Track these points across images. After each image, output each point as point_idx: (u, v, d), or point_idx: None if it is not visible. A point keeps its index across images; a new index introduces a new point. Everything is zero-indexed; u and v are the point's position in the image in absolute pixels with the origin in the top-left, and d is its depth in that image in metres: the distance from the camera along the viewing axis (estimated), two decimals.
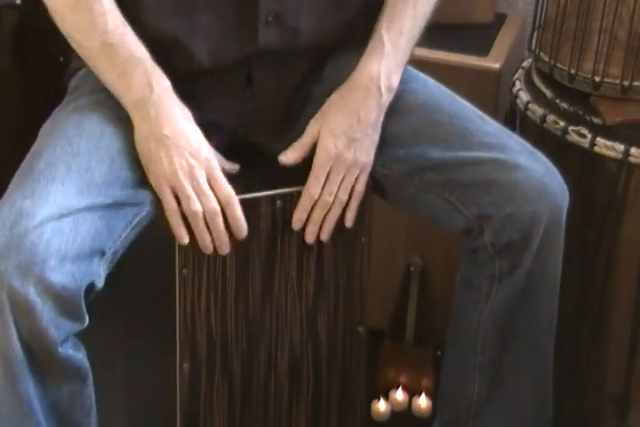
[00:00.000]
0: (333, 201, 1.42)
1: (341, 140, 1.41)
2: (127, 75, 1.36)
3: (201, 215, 1.36)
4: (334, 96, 1.44)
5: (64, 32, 1.40)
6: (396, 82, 1.44)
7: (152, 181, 1.36)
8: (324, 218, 1.43)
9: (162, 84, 1.36)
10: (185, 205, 1.36)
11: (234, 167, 1.42)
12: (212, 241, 1.39)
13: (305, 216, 1.43)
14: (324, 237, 1.44)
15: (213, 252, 1.39)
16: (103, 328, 1.39)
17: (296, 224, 1.43)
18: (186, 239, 1.38)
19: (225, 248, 1.40)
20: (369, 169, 1.43)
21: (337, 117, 1.42)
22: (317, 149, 1.41)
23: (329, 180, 1.41)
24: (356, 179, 1.42)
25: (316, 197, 1.41)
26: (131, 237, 1.39)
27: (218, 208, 1.36)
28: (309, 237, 1.44)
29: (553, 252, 1.43)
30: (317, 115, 1.43)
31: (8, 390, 1.30)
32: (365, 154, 1.42)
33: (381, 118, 1.43)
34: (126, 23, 1.38)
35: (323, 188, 1.41)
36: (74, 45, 1.40)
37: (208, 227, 1.37)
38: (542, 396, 1.54)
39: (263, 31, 1.44)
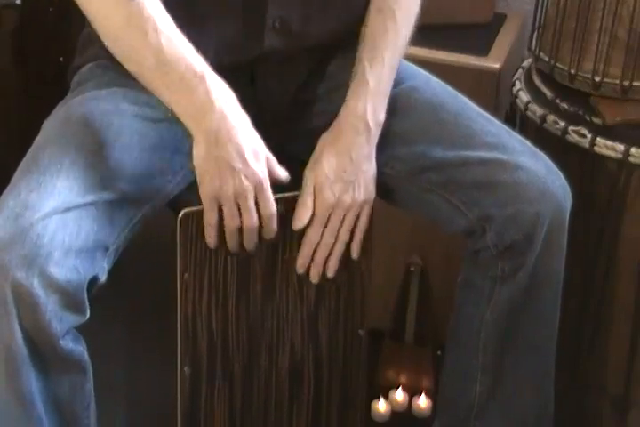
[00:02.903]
0: (336, 240, 1.42)
1: (338, 186, 1.40)
2: (186, 92, 1.33)
3: (237, 230, 1.37)
4: (324, 139, 1.43)
5: (120, 57, 1.37)
6: (382, 115, 1.43)
7: (201, 192, 1.36)
8: (328, 256, 1.43)
9: (223, 101, 1.33)
10: (227, 220, 1.36)
11: (283, 175, 1.38)
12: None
13: (308, 262, 1.43)
14: (330, 274, 1.44)
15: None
16: (105, 331, 1.40)
17: (300, 269, 1.44)
18: (213, 244, 1.39)
19: (252, 249, 1.41)
20: (371, 204, 1.43)
21: (330, 163, 1.41)
22: (316, 199, 1.40)
23: (329, 223, 1.41)
24: (359, 215, 1.42)
25: (316, 240, 1.41)
26: (133, 233, 1.39)
27: (257, 225, 1.37)
28: (315, 279, 1.44)
29: (556, 252, 1.43)
30: (310, 162, 1.42)
31: (9, 382, 1.31)
32: (364, 192, 1.42)
33: (374, 150, 1.43)
34: (183, 38, 1.34)
35: (323, 231, 1.41)
36: (128, 67, 1.37)
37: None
38: (543, 396, 1.54)
39: (269, 35, 1.44)
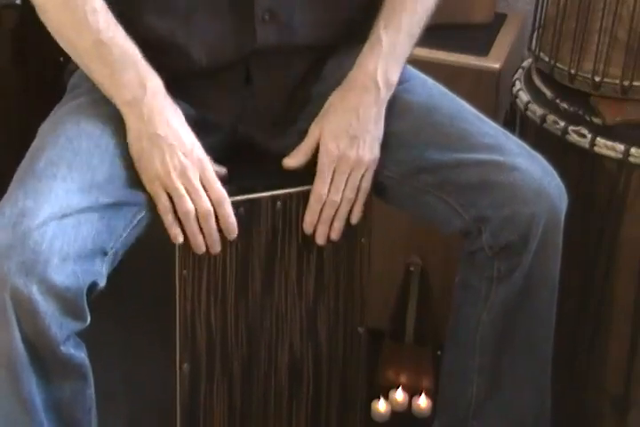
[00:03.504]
0: (341, 200, 1.42)
1: (343, 140, 1.41)
2: (119, 74, 1.36)
3: (193, 215, 1.37)
4: (333, 96, 1.44)
5: (52, 31, 1.39)
6: (394, 77, 1.44)
7: (144, 180, 1.36)
8: (333, 217, 1.43)
9: (154, 84, 1.36)
10: (178, 204, 1.36)
11: (222, 170, 1.41)
12: (205, 240, 1.39)
13: (316, 218, 1.43)
14: (335, 235, 1.44)
15: (206, 251, 1.40)
16: (103, 329, 1.39)
17: (308, 227, 1.44)
18: (180, 238, 1.38)
19: (217, 247, 1.40)
20: (375, 165, 1.43)
21: (337, 118, 1.42)
22: (320, 151, 1.41)
23: (335, 180, 1.41)
24: (362, 176, 1.43)
25: (324, 197, 1.41)
26: (132, 237, 1.39)
27: (210, 208, 1.37)
28: (320, 239, 1.44)
29: (551, 253, 1.43)
30: (317, 117, 1.43)
31: (10, 389, 1.31)
32: (369, 151, 1.42)
33: (382, 113, 1.43)
34: (117, 23, 1.37)
35: (329, 188, 1.41)
36: (63, 45, 1.40)
37: (200, 227, 1.37)
38: (541, 396, 1.54)
39: (260, 29, 1.44)
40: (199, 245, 1.39)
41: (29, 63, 2.10)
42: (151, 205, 1.39)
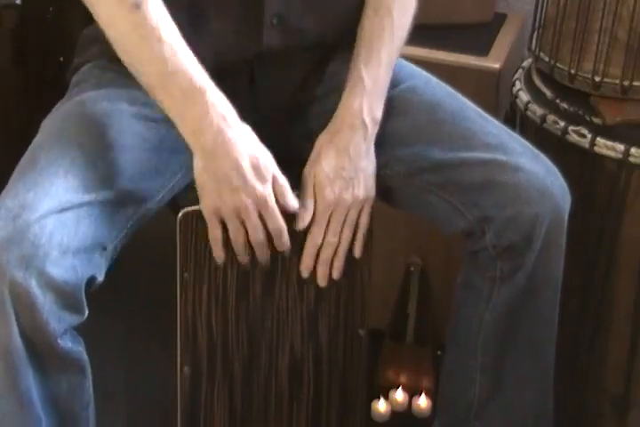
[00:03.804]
0: (339, 239, 1.42)
1: (338, 184, 1.40)
2: (186, 105, 1.33)
3: (245, 244, 1.37)
4: (322, 139, 1.42)
5: (126, 62, 1.36)
6: (379, 113, 1.43)
7: (202, 207, 1.36)
8: (333, 257, 1.43)
9: (221, 116, 1.33)
10: (232, 235, 1.36)
11: (294, 207, 1.38)
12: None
13: (312, 262, 1.42)
14: (337, 275, 1.44)
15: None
16: (105, 331, 1.40)
17: (305, 271, 1.43)
18: (222, 262, 1.40)
19: (265, 262, 1.41)
20: (371, 202, 1.43)
21: (329, 161, 1.40)
22: (317, 198, 1.40)
23: (331, 222, 1.41)
24: (360, 213, 1.42)
25: (320, 241, 1.41)
26: (132, 233, 1.39)
27: (264, 240, 1.37)
28: (322, 281, 1.44)
29: (555, 253, 1.43)
30: (309, 161, 1.42)
31: (8, 382, 1.31)
32: (364, 189, 1.41)
33: (372, 148, 1.43)
34: (188, 50, 1.34)
35: (326, 231, 1.41)
36: (135, 75, 1.36)
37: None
38: (543, 396, 1.54)
39: (267, 33, 1.44)
40: (244, 261, 1.40)
41: (29, 63, 2.11)
42: (153, 202, 1.39)
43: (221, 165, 1.32)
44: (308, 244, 1.41)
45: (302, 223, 1.40)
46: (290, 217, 1.38)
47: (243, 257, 1.39)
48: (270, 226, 1.36)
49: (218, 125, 1.32)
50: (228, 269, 1.43)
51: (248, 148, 1.34)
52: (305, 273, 1.43)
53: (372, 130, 1.43)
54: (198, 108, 1.33)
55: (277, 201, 1.35)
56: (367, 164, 1.42)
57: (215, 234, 1.37)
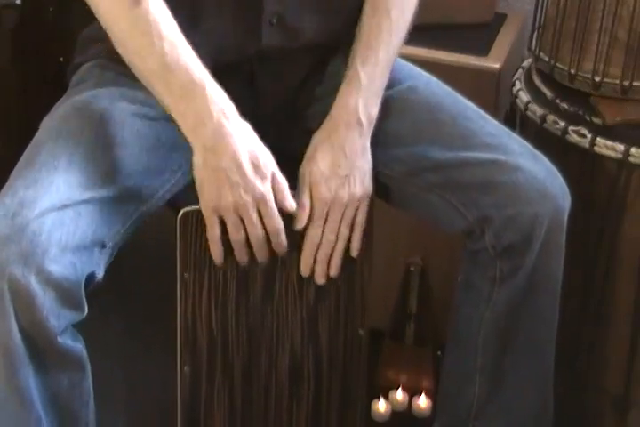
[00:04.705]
0: (337, 237, 1.42)
1: (334, 181, 1.40)
2: (186, 100, 1.33)
3: (244, 242, 1.37)
4: (317, 136, 1.42)
5: (126, 59, 1.37)
6: (375, 111, 1.43)
7: (201, 204, 1.36)
8: (331, 255, 1.43)
9: (221, 111, 1.33)
10: (231, 232, 1.36)
11: (292, 206, 1.38)
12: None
13: (312, 261, 1.42)
14: (334, 272, 1.44)
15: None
16: (105, 331, 1.40)
17: (305, 271, 1.43)
18: (220, 261, 1.39)
19: (264, 260, 1.41)
20: (368, 199, 1.43)
21: (324, 158, 1.40)
22: (313, 196, 1.40)
23: (328, 220, 1.40)
24: (357, 210, 1.42)
25: (318, 240, 1.41)
26: (131, 230, 1.39)
27: (264, 235, 1.37)
28: (320, 279, 1.44)
29: (554, 253, 1.43)
30: (305, 159, 1.42)
31: (7, 380, 1.31)
32: (360, 186, 1.41)
33: (368, 146, 1.43)
34: (187, 46, 1.35)
35: (323, 229, 1.41)
36: (135, 71, 1.37)
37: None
38: (543, 397, 1.54)
39: (266, 32, 1.44)
40: (244, 261, 1.40)
41: (29, 63, 2.11)
42: (153, 200, 1.39)
43: (221, 161, 1.32)
44: (306, 242, 1.41)
45: (300, 223, 1.40)
46: (287, 217, 1.38)
47: (241, 256, 1.39)
48: (268, 224, 1.36)
49: (218, 120, 1.33)
50: (228, 270, 1.43)
51: (248, 144, 1.34)
52: (306, 272, 1.43)
53: (368, 128, 1.43)
54: (198, 103, 1.33)
55: (276, 200, 1.35)
56: (363, 161, 1.42)
57: (214, 233, 1.37)
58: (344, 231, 1.42)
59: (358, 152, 1.42)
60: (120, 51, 1.37)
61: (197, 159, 1.34)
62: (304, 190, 1.40)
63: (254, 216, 1.35)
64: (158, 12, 1.34)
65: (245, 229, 1.36)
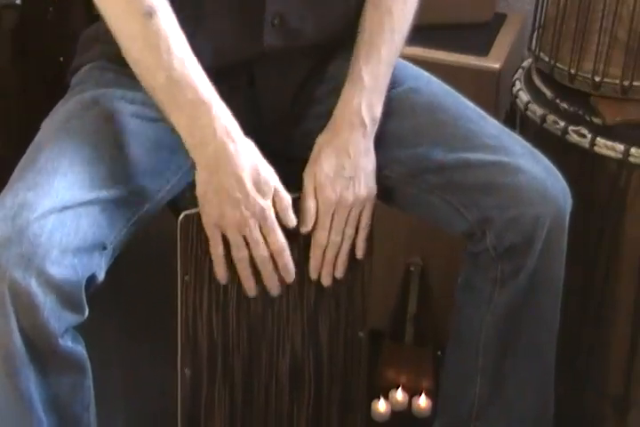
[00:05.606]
0: (342, 238, 1.42)
1: (339, 183, 1.40)
2: (192, 118, 1.33)
3: (247, 261, 1.37)
4: (321, 138, 1.42)
5: (135, 70, 1.36)
6: (378, 111, 1.43)
7: (204, 222, 1.36)
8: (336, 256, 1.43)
9: (225, 130, 1.33)
10: (233, 251, 1.36)
11: (293, 222, 1.37)
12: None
13: (320, 263, 1.42)
14: (339, 274, 1.44)
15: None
16: (105, 333, 1.40)
17: (314, 272, 1.43)
18: (224, 280, 1.39)
19: (276, 290, 1.41)
20: (372, 200, 1.43)
21: (329, 160, 1.40)
22: (318, 199, 1.39)
23: (334, 221, 1.40)
24: (362, 212, 1.42)
25: (325, 242, 1.41)
26: (132, 232, 1.39)
27: (268, 255, 1.36)
28: (326, 280, 1.44)
29: (556, 255, 1.43)
30: (309, 161, 1.42)
31: (8, 383, 1.30)
32: (365, 187, 1.41)
33: (371, 146, 1.42)
34: (196, 62, 1.34)
35: (329, 231, 1.41)
36: (143, 84, 1.36)
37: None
38: (544, 398, 1.53)
39: (268, 33, 1.44)
40: (251, 288, 1.40)
41: (29, 63, 2.11)
42: (154, 202, 1.39)
43: (223, 178, 1.33)
44: (313, 245, 1.41)
45: (305, 226, 1.40)
46: (291, 234, 1.38)
47: (245, 277, 1.38)
48: (269, 240, 1.35)
49: (221, 138, 1.33)
50: (229, 271, 1.43)
51: (250, 161, 1.34)
52: (315, 274, 1.43)
53: (372, 128, 1.43)
54: (203, 120, 1.33)
55: (277, 216, 1.35)
56: (367, 162, 1.42)
57: (217, 251, 1.37)
58: (349, 232, 1.42)
59: (362, 153, 1.42)
60: (130, 64, 1.36)
61: (201, 176, 1.34)
62: (309, 193, 1.40)
63: (256, 233, 1.34)
64: (169, 27, 1.34)
65: (249, 249, 1.36)
